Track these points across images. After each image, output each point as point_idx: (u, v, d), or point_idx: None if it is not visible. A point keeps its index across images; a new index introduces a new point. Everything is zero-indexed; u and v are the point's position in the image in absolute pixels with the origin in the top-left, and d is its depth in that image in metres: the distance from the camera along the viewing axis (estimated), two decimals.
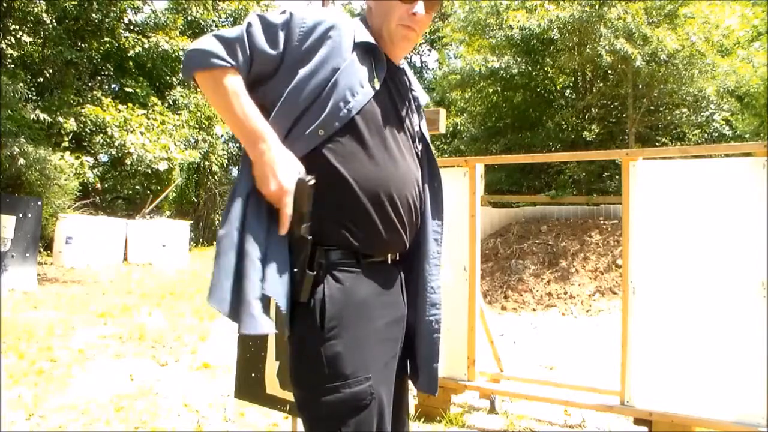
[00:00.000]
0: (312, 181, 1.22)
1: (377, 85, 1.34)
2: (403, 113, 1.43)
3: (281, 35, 1.31)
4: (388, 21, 1.38)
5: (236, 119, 1.26)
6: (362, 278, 1.31)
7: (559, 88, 14.34)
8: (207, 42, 1.29)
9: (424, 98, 1.57)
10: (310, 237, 1.24)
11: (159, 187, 16.79)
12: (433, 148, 1.56)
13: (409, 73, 1.53)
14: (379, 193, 1.31)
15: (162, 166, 12.12)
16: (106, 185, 17.12)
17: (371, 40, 1.37)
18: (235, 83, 1.27)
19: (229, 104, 1.26)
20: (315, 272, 1.25)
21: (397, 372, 1.43)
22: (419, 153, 1.48)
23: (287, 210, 1.23)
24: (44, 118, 11.45)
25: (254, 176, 1.26)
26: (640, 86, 11.64)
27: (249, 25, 1.30)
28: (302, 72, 1.30)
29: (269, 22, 1.31)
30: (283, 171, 1.22)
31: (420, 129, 1.50)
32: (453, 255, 3.36)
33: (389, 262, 1.39)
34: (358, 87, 1.30)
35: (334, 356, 1.24)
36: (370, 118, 1.32)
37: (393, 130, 1.37)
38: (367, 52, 1.36)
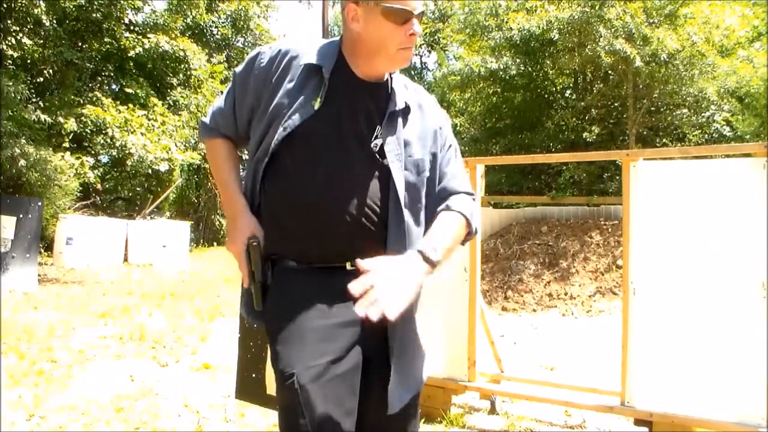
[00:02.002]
0: (255, 243, 1.45)
1: (317, 105, 1.38)
2: (356, 129, 1.41)
3: (251, 83, 1.47)
4: (387, 48, 1.38)
5: (219, 183, 1.55)
6: (300, 282, 1.40)
7: (559, 89, 14.33)
8: (210, 111, 1.57)
9: (401, 104, 1.46)
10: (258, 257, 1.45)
11: (159, 188, 16.78)
12: (404, 159, 1.44)
13: (396, 81, 1.47)
14: (310, 208, 1.38)
15: (163, 167, 12.14)
16: (106, 186, 17.13)
17: (315, 60, 1.41)
18: (219, 151, 1.55)
19: (214, 169, 1.56)
20: (261, 281, 1.43)
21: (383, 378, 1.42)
22: (381, 166, 1.41)
23: (241, 266, 1.46)
24: (45, 119, 11.46)
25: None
26: (641, 87, 11.64)
27: (227, 90, 1.52)
28: (262, 104, 1.44)
29: (241, 72, 1.50)
30: (237, 237, 1.46)
31: (383, 143, 1.41)
32: (453, 255, 3.35)
33: (348, 268, 1.38)
34: (292, 110, 1.38)
35: (274, 354, 1.37)
36: (308, 137, 1.38)
37: (338, 147, 1.39)
38: (312, 73, 1.40)
